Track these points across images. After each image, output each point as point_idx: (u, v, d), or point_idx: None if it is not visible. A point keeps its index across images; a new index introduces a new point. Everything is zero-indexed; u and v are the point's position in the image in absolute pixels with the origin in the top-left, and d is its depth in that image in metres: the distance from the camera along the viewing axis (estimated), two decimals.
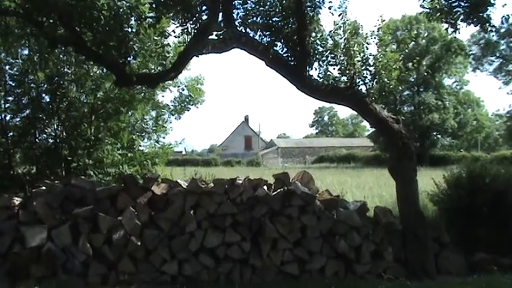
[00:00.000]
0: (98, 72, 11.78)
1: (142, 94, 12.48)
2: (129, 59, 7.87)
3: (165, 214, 7.67)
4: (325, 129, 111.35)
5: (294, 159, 64.91)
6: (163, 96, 13.21)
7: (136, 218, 7.54)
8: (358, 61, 8.29)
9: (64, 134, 11.49)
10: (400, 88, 9.63)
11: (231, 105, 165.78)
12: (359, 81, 8.32)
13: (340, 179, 20.74)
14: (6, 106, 11.26)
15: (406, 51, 35.78)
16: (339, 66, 8.36)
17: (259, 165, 53.15)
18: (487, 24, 7.74)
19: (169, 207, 7.71)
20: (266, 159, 60.67)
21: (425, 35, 44.65)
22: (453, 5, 7.83)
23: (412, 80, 43.67)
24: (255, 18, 8.34)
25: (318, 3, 8.31)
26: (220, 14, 7.93)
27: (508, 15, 8.23)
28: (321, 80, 8.40)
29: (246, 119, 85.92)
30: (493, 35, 41.32)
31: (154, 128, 13.30)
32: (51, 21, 7.38)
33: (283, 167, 38.54)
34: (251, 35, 8.30)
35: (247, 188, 7.88)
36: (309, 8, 8.22)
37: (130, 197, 7.69)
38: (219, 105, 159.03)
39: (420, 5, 8.28)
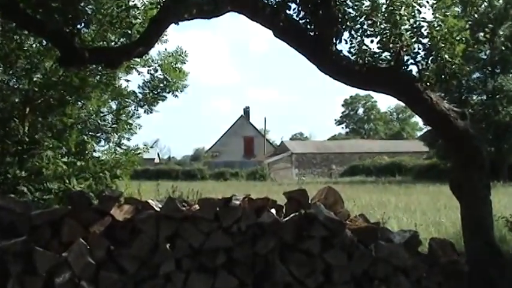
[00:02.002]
0: (34, 46, 11.82)
1: (98, 77, 12.52)
2: (79, 26, 7.89)
3: (130, 249, 7.67)
4: (359, 128, 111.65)
5: (314, 170, 64.98)
6: (127, 80, 13.23)
7: (89, 254, 7.53)
8: (407, 30, 8.28)
9: None
10: (468, 69, 9.61)
11: (225, 93, 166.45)
12: (408, 59, 8.31)
13: (381, 199, 20.75)
14: None
15: (476, 16, 35.74)
16: (379, 38, 8.35)
17: (265, 178, 53.24)
18: None
19: (136, 239, 7.71)
20: (275, 170, 60.73)
21: None
22: None
23: (484, 57, 43.63)
24: None
25: None
26: None
27: None
28: (353, 57, 8.39)
29: (246, 112, 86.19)
30: None
31: (114, 125, 13.36)
32: None
33: (300, 182, 38.55)
34: None
35: (248, 212, 7.88)
36: None
37: (80, 224, 7.69)
38: (207, 92, 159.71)
39: None
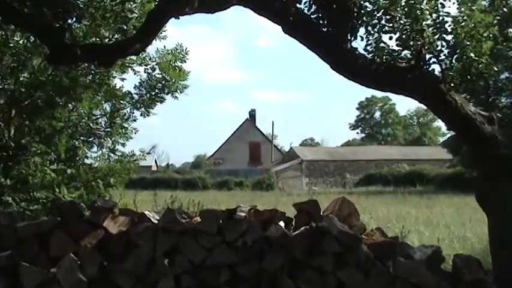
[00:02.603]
0: (21, 42, 11.87)
1: (90, 77, 12.57)
2: (69, 21, 7.92)
3: (124, 264, 7.68)
4: (376, 133, 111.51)
5: (326, 179, 64.90)
6: (122, 80, 13.27)
7: (80, 270, 7.55)
8: (429, 26, 8.28)
9: None
10: (495, 68, 9.60)
11: (229, 94, 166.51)
12: (430, 58, 8.31)
13: (400, 211, 20.73)
14: None
15: (505, 10, 35.67)
16: (398, 34, 8.35)
17: (272, 188, 53.20)
18: None
19: (131, 254, 7.72)
20: (283, 179, 60.67)
21: None
22: None
23: None
24: None
25: None
26: None
27: None
28: (370, 55, 8.40)
29: (252, 115, 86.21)
30: None
31: (108, 129, 13.40)
32: None
33: (310, 192, 38.47)
34: None
35: (254, 225, 7.89)
36: None
37: (70, 238, 7.71)
38: (209, 93, 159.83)
39: None
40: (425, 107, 9.68)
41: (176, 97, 13.74)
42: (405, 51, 8.38)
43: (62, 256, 7.61)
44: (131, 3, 9.54)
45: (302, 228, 8.06)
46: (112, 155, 13.37)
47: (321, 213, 8.27)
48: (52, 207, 10.83)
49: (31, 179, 11.50)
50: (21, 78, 12.01)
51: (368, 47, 8.43)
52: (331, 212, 8.40)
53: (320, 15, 8.33)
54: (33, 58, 11.85)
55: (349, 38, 8.23)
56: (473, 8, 8.46)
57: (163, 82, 13.55)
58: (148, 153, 13.98)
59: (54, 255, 7.64)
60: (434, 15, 8.32)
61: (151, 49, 13.15)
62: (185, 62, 13.61)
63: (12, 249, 7.59)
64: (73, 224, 7.82)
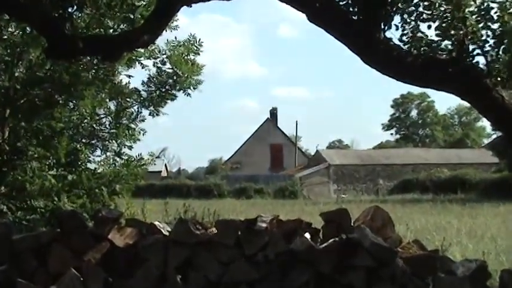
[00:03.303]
0: (16, 33, 11.93)
1: (93, 72, 12.60)
2: (70, 10, 7.96)
3: (132, 281, 7.70)
4: (412, 134, 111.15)
5: (357, 185, 64.74)
6: (129, 76, 13.27)
7: (83, 287, 7.57)
8: (472, 13, 8.25)
9: None
10: None
11: (248, 91, 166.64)
12: (474, 49, 8.27)
13: (441, 222, 20.64)
14: None
15: None
16: (437, 23, 8.33)
17: (296, 195, 53.13)
18: None
19: (139, 269, 7.74)
20: (309, 186, 60.60)
21: None
22: None
23: None
24: None
25: None
26: None
27: None
28: (406, 46, 8.38)
29: (273, 114, 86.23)
30: None
31: (113, 130, 13.42)
32: None
33: (339, 200, 38.42)
34: None
35: (276, 237, 7.88)
36: None
37: (71, 251, 7.73)
38: (225, 90, 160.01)
39: None
40: (468, 105, 9.64)
41: (189, 94, 13.71)
42: (446, 42, 8.35)
43: (63, 272, 7.64)
44: None
45: (330, 241, 8.03)
46: (117, 159, 13.38)
47: (351, 224, 8.25)
48: (51, 217, 10.88)
49: (28, 186, 11.55)
50: (16, 74, 12.06)
51: (404, 37, 8.42)
52: (363, 223, 8.37)
53: (350, 1, 8.32)
54: (30, 51, 11.91)
55: (382, 27, 8.21)
56: None
57: (175, 77, 13.52)
58: (158, 157, 14.01)
59: (54, 270, 7.68)
60: (478, 1, 8.28)
61: (161, 41, 13.14)
62: (199, 54, 13.60)
63: (8, 264, 7.63)
64: (75, 236, 7.85)
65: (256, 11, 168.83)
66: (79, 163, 12.63)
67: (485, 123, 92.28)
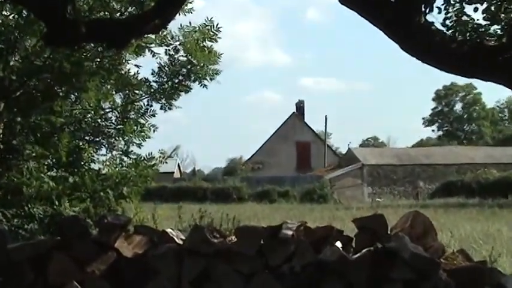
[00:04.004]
0: (11, 17, 11.98)
1: (98, 61, 12.63)
2: None
3: None
4: (457, 130, 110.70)
5: (394, 188, 64.60)
6: (138, 66, 13.29)
7: None
8: None
9: None
10: None
11: (271, 81, 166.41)
12: None
13: (489, 229, 20.54)
14: None
15: None
16: (485, 5, 8.29)
17: (326, 199, 53.15)
18: None
19: (149, 282, 7.75)
20: (340, 189, 60.59)
21: None
22: None
23: None
24: None
25: None
26: None
27: None
28: (450, 31, 8.35)
29: (300, 108, 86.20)
30: None
31: (120, 126, 13.45)
32: None
33: (374, 204, 38.31)
34: None
35: (304, 246, 7.87)
36: None
37: (73, 262, 7.75)
38: (246, 81, 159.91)
39: None
40: None
41: (205, 85, 13.71)
42: (494, 26, 8.31)
43: (63, 285, 7.66)
44: None
45: (364, 250, 8.01)
46: (125, 158, 13.42)
47: (388, 232, 8.22)
48: (51, 223, 10.92)
49: (25, 189, 11.60)
50: (11, 63, 12.11)
51: (447, 21, 8.39)
52: (401, 230, 8.34)
53: None
54: (27, 38, 11.96)
55: (423, 9, 8.18)
56: None
57: (189, 67, 13.52)
58: (170, 156, 13.96)
59: (54, 283, 7.70)
60: None
61: (173, 26, 13.16)
62: (216, 41, 13.56)
63: (3, 276, 7.66)
64: (77, 244, 7.87)
65: None
66: (82, 163, 12.68)
67: None
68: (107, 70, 12.76)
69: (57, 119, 12.44)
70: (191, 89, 13.67)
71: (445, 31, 8.32)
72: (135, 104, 13.61)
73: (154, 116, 13.80)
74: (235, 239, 7.98)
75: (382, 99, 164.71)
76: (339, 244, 8.07)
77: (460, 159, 69.00)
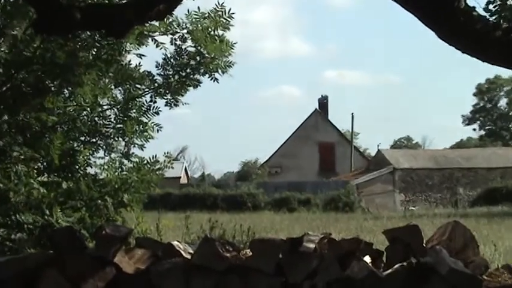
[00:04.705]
0: None
1: (95, 51, 12.65)
2: None
3: None
4: (501, 129, 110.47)
5: (430, 195, 64.60)
6: (140, 56, 13.25)
7: None
8: None
9: None
10: None
11: (290, 74, 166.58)
12: None
13: None
14: None
15: None
16: None
17: (353, 208, 53.17)
18: None
19: None
20: (368, 196, 60.58)
21: None
22: None
23: None
24: None
25: None
26: None
27: None
28: (494, 17, 8.31)
29: (323, 104, 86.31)
30: None
31: (120, 125, 13.45)
32: None
33: (408, 214, 38.31)
34: None
35: (328, 261, 7.85)
36: None
37: (67, 279, 7.75)
38: (262, 74, 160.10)
39: None
40: None
41: (216, 79, 13.64)
42: None
43: None
44: None
45: (397, 266, 7.99)
46: (125, 161, 13.39)
47: (424, 244, 8.19)
48: (42, 235, 10.94)
49: (12, 196, 11.61)
50: None
51: (490, 6, 8.36)
52: (439, 243, 8.32)
53: None
54: (14, 25, 11.98)
55: None
56: None
57: (198, 58, 13.48)
58: (176, 158, 14.02)
59: None
60: None
61: (180, 11, 13.15)
62: (229, 29, 13.48)
63: None
64: (71, 260, 7.87)
65: None
66: (76, 167, 12.69)
67: None
68: (105, 62, 12.73)
69: (48, 117, 12.44)
70: (200, 83, 13.63)
71: (488, 17, 8.28)
72: (137, 100, 13.56)
73: (158, 113, 13.75)
74: (251, 254, 7.96)
75: (416, 94, 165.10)
76: (367, 259, 8.05)
77: (504, 163, 69.02)
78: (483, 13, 8.29)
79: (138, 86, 13.55)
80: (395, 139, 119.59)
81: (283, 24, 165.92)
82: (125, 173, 13.14)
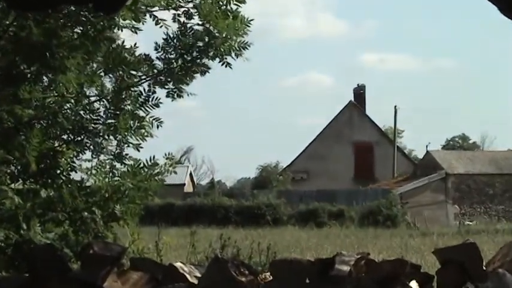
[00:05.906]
0: None
1: (80, 30, 12.68)
2: None
3: None
4: None
5: (490, 206, 64.48)
6: (135, 31, 13.09)
7: None
8: None
9: None
10: None
11: (319, 59, 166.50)
12: None
13: None
14: None
15: None
16: None
17: (396, 222, 53.14)
18: None
19: None
20: (415, 208, 60.53)
21: None
22: None
23: None
24: None
25: None
26: None
27: None
28: None
29: (359, 95, 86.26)
30: None
31: (111, 121, 13.47)
32: None
33: (463, 229, 38.27)
34: None
35: (367, 286, 7.85)
36: None
37: None
38: (284, 57, 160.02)
39: None
40: None
41: (228, 64, 13.58)
42: None
43: None
44: None
45: None
46: (118, 165, 13.40)
47: (484, 267, 8.19)
48: (16, 254, 10.99)
49: None
50: None
51: None
52: (501, 265, 8.31)
53: None
54: None
55: None
56: None
57: (207, 38, 13.43)
58: (180, 161, 13.83)
59: None
60: None
61: None
62: (244, 2, 13.43)
63: None
64: (52, 283, 7.90)
65: None
66: (58, 172, 12.72)
67: None
68: (92, 42, 12.69)
69: (24, 110, 12.46)
70: (209, 69, 13.58)
71: None
72: (132, 89, 13.54)
73: (158, 106, 13.70)
74: (271, 277, 7.98)
75: (473, 83, 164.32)
76: (414, 284, 8.06)
77: None
78: None
79: (134, 72, 13.52)
80: (447, 138, 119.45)
81: None
82: (117, 178, 13.14)
